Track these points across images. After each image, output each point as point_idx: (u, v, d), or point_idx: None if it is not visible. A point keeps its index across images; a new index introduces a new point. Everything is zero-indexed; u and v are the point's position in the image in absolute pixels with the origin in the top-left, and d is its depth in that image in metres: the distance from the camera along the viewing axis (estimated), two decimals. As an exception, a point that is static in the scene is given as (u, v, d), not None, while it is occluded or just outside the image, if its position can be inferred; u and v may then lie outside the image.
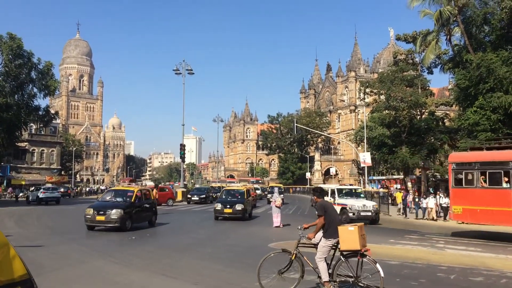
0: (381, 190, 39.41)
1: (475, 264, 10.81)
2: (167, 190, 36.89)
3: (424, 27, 38.98)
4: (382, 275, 6.56)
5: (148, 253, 11.71)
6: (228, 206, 21.41)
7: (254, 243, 14.01)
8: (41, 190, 39.28)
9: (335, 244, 6.93)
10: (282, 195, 41.45)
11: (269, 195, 37.59)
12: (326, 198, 20.69)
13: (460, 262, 11.16)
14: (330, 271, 6.86)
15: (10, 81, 37.76)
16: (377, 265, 6.65)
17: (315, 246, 7.09)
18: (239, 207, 21.21)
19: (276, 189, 22.72)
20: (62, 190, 52.97)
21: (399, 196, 29.93)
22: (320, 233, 7.02)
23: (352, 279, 6.77)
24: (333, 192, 24.19)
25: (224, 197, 23.52)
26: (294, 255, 7.04)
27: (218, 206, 21.63)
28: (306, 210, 32.93)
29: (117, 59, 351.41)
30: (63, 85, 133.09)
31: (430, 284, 8.51)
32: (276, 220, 18.87)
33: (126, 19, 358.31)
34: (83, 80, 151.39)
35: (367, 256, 6.75)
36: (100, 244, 13.31)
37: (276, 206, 18.99)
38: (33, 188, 43.87)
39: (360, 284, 6.73)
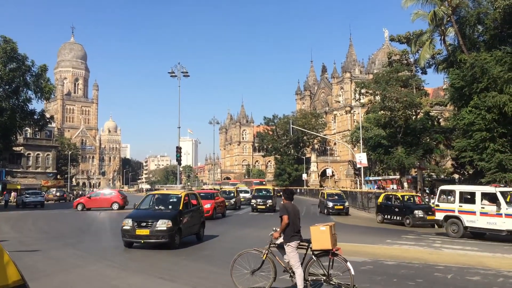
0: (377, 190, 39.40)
1: (472, 264, 10.85)
2: (113, 193, 35.46)
3: (418, 28, 39.09)
4: (353, 273, 6.72)
5: (145, 256, 11.67)
6: (143, 225, 12.37)
7: (250, 246, 13.96)
8: (25, 194, 41.05)
9: (300, 245, 7.02)
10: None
11: (253, 201, 31.36)
12: (464, 205, 16.83)
13: (457, 261, 11.20)
14: (302, 269, 6.96)
15: (4, 85, 37.53)
16: (348, 263, 6.79)
17: (279, 246, 7.16)
18: (162, 225, 12.23)
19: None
20: (58, 194, 52.93)
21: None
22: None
23: (324, 278, 6.90)
24: (491, 197, 16.24)
25: (146, 207, 14.15)
26: (265, 255, 7.17)
27: (128, 224, 12.41)
28: (311, 211, 32.31)
29: (112, 62, 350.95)
30: (58, 89, 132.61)
31: (428, 284, 8.52)
32: None
33: (121, 22, 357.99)
34: (78, 84, 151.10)
35: (338, 255, 6.88)
36: (96, 249, 13.25)
37: None
38: (14, 193, 44.87)
39: (331, 282, 6.86)
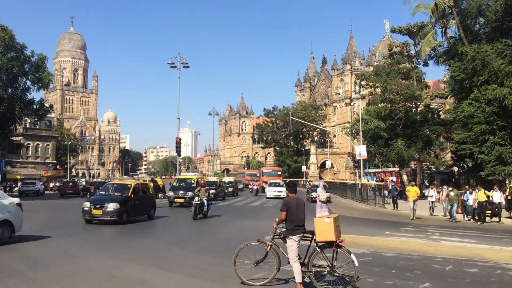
0: (376, 183, 39.40)
1: (470, 256, 10.87)
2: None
3: (419, 20, 38.88)
4: (357, 264, 6.70)
5: (145, 247, 11.68)
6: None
7: (250, 237, 14.00)
8: (20, 184, 44.72)
9: (304, 236, 7.01)
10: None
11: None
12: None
13: (455, 253, 11.22)
14: (306, 261, 6.96)
15: (2, 74, 37.28)
16: (352, 255, 6.77)
17: (283, 238, 7.16)
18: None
19: (321, 184, 20.59)
20: (58, 184, 53.18)
21: (412, 191, 22.11)
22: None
23: (328, 269, 6.88)
24: None
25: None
26: (269, 246, 7.16)
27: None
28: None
29: (112, 53, 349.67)
30: (57, 79, 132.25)
31: (426, 276, 8.54)
32: (321, 214, 18.52)
33: (120, 12, 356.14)
34: (77, 74, 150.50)
35: (342, 247, 6.86)
36: (96, 238, 13.28)
37: (320, 201, 18.52)
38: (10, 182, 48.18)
39: (335, 274, 6.84)
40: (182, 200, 24.82)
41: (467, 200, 21.41)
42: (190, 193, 23.93)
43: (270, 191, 36.53)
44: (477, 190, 20.95)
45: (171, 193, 25.69)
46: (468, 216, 21.38)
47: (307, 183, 55.58)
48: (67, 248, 11.37)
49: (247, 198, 36.96)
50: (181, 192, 25.32)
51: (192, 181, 27.21)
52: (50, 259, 9.84)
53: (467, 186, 25.17)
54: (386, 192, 30.66)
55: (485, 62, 24.76)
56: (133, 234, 14.24)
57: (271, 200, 33.17)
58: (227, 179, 49.32)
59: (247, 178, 62.91)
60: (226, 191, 38.40)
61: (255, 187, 44.89)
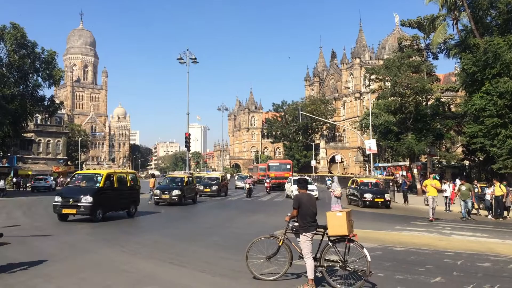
0: (383, 178, 39.17)
1: (482, 250, 10.79)
2: None
3: (429, 13, 38.56)
4: (369, 259, 6.65)
5: (154, 242, 11.74)
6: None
7: (260, 231, 13.98)
8: (32, 180, 47.20)
9: (317, 231, 6.99)
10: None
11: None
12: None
13: (467, 248, 11.13)
14: (318, 255, 6.95)
15: (14, 71, 37.68)
16: (364, 250, 6.72)
17: (295, 232, 7.17)
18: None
19: (336, 179, 19.94)
20: (69, 180, 53.80)
21: (431, 186, 18.59)
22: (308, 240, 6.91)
23: (340, 264, 6.86)
24: None
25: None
26: (281, 241, 7.17)
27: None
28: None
29: (121, 49, 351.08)
30: (67, 76, 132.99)
31: (437, 270, 8.47)
32: (336, 209, 18.41)
33: (129, 7, 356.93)
34: (87, 70, 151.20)
35: (355, 241, 6.82)
36: (106, 233, 13.36)
37: (336, 196, 18.38)
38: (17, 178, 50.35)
39: (347, 268, 6.80)
40: (74, 211, 15.50)
41: (485, 194, 20.75)
42: None
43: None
44: (493, 185, 20.14)
45: (58, 199, 15.88)
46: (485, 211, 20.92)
47: (329, 179, 45.64)
48: (79, 242, 11.46)
49: (237, 200, 29.97)
50: (72, 198, 15.57)
51: (100, 178, 16.63)
52: (62, 253, 9.92)
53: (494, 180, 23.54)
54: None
55: (497, 54, 24.46)
56: (142, 229, 14.22)
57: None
58: (214, 174, 42.83)
59: (260, 173, 59.90)
60: (209, 190, 31.72)
61: (247, 185, 33.01)
